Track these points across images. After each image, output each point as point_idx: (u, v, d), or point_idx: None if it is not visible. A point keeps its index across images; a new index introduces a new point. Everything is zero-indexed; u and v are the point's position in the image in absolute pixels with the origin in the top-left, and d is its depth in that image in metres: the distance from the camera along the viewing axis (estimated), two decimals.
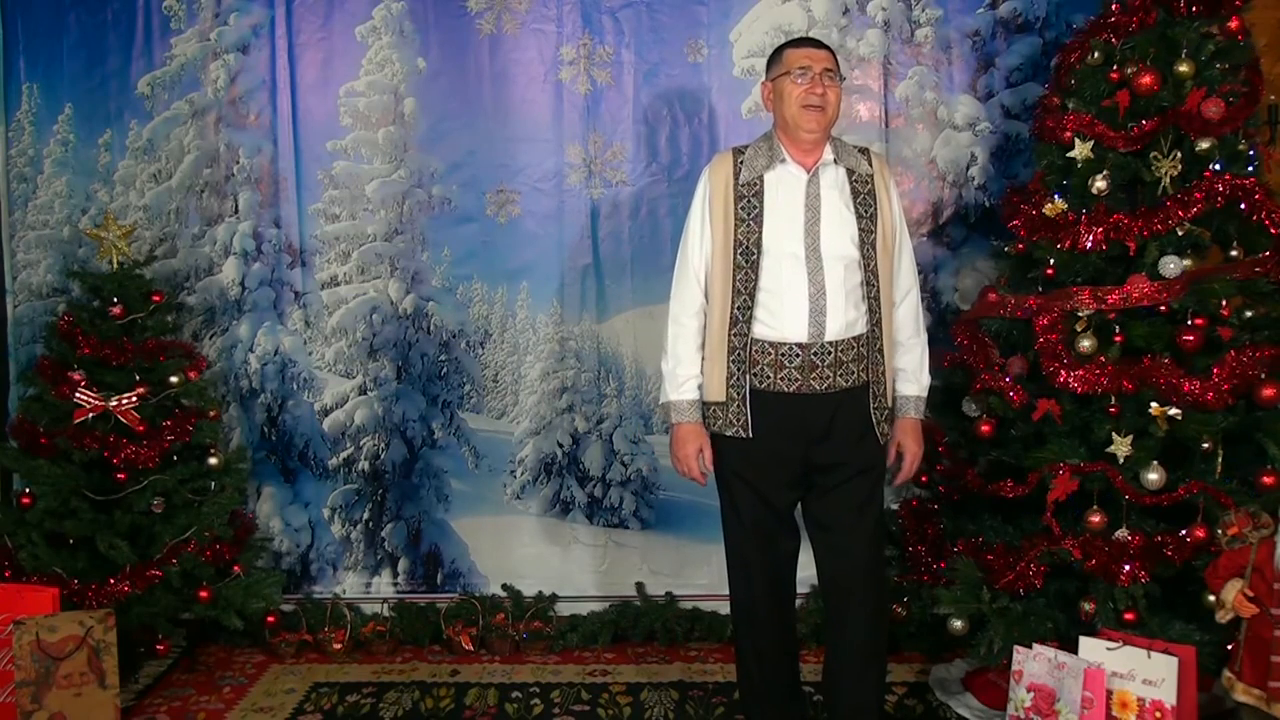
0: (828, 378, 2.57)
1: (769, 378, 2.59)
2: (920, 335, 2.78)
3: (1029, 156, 3.48)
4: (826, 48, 2.66)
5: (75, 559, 3.32)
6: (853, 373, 2.60)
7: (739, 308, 2.60)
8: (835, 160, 2.63)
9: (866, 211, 2.62)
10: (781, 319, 2.57)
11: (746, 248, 2.59)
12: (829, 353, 2.57)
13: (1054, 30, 3.62)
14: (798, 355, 2.57)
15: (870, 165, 2.67)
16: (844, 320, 2.58)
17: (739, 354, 2.60)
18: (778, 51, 2.68)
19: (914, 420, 2.79)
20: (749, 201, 2.61)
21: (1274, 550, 2.43)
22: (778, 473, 2.65)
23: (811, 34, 3.47)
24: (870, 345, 2.62)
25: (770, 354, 2.59)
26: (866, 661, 2.68)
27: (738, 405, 2.61)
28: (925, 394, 2.80)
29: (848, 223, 2.60)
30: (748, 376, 2.60)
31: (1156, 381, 2.79)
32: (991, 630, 2.91)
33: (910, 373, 2.77)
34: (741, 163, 2.65)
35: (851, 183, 2.63)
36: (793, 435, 2.61)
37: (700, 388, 2.69)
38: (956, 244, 3.74)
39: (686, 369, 2.69)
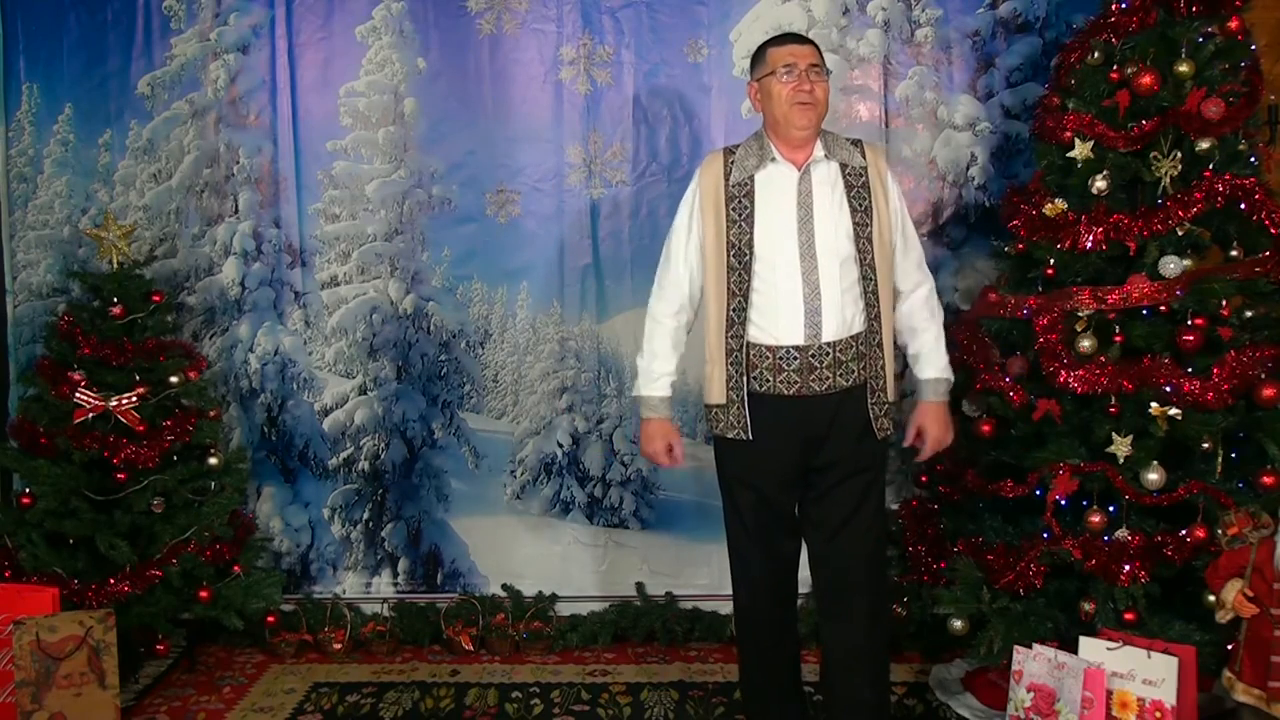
0: (827, 378, 2.56)
1: (768, 381, 2.58)
2: (935, 320, 2.73)
3: (1029, 156, 3.47)
4: (810, 42, 2.64)
5: (75, 559, 3.32)
6: (852, 371, 2.58)
7: (734, 310, 2.58)
8: (827, 155, 2.59)
9: (861, 205, 2.59)
10: (777, 323, 2.56)
11: (739, 249, 2.57)
12: (827, 354, 2.55)
13: (1054, 30, 3.61)
14: (795, 358, 2.55)
15: (864, 157, 2.63)
16: (840, 319, 2.55)
17: (737, 356, 2.59)
18: (760, 50, 2.64)
19: (935, 404, 2.73)
20: (740, 202, 2.59)
21: (1274, 550, 2.43)
22: (778, 474, 2.65)
23: (811, 34, 3.46)
24: (869, 342, 2.60)
25: (768, 358, 2.57)
26: (860, 663, 2.65)
27: (738, 408, 2.60)
28: (945, 376, 2.73)
29: (842, 219, 2.57)
30: (747, 379, 2.59)
31: (1156, 381, 2.78)
32: (991, 630, 2.91)
33: (925, 356, 2.72)
34: (733, 163, 2.63)
35: (845, 176, 2.60)
36: (793, 437, 2.60)
37: (673, 385, 2.74)
38: (956, 244, 3.74)
39: (661, 365, 2.71)
